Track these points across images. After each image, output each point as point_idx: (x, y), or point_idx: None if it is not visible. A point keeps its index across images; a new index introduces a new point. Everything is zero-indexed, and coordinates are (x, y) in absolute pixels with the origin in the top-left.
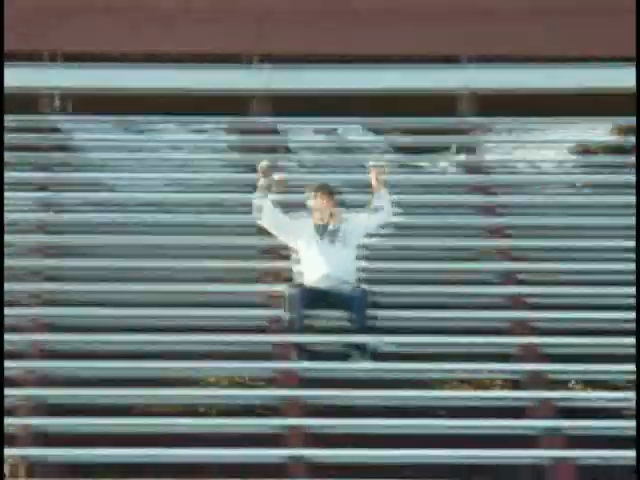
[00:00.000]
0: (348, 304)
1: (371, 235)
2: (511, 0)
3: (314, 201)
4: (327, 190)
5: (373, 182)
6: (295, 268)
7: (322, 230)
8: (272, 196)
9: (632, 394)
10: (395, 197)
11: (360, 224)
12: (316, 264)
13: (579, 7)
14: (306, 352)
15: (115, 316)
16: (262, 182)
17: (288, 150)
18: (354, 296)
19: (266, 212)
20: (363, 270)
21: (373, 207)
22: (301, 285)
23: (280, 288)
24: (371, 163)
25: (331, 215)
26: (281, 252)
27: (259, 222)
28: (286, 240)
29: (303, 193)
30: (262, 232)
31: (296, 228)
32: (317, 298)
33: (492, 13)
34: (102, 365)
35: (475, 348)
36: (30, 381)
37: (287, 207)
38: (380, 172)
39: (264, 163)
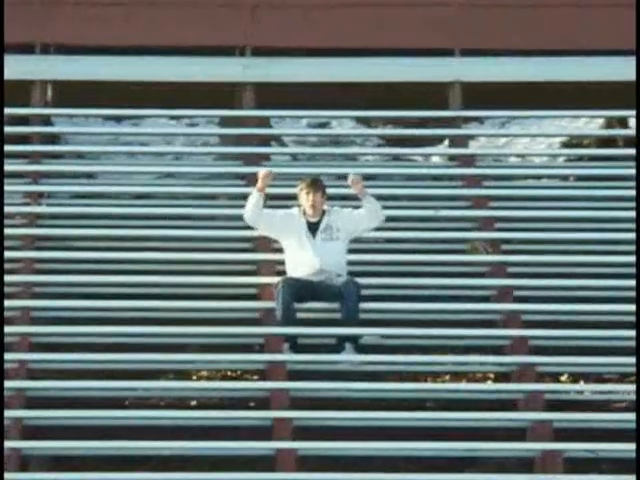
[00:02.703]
0: (339, 297)
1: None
2: None
3: (305, 197)
4: (318, 186)
5: (356, 192)
6: (286, 262)
7: (314, 227)
8: (262, 196)
9: (622, 387)
10: (385, 190)
11: (351, 222)
12: (308, 260)
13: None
14: (296, 344)
15: (105, 308)
16: (259, 185)
17: (278, 142)
18: (345, 289)
19: (257, 211)
20: (353, 263)
21: (363, 210)
22: (292, 278)
23: (272, 280)
24: (350, 177)
25: (323, 212)
26: (273, 245)
27: (247, 220)
28: (276, 237)
29: (293, 186)
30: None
31: (287, 225)
32: (308, 291)
33: (483, 5)
34: (93, 357)
35: (465, 340)
36: (21, 373)
37: (277, 199)
38: (356, 182)
39: (265, 171)
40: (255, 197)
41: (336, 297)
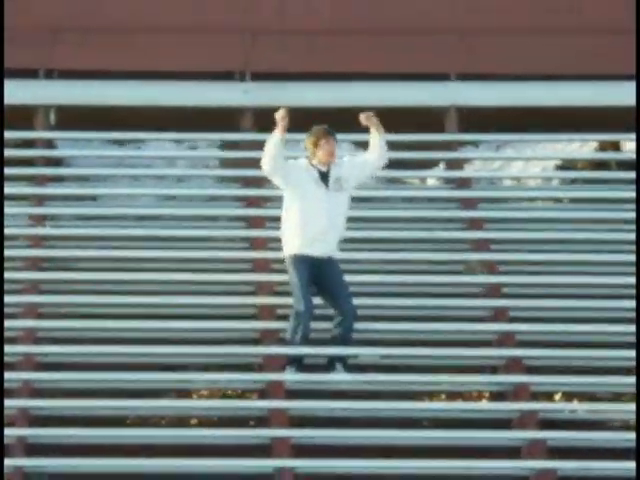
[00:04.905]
0: (338, 309)
1: (365, 181)
2: (498, 17)
3: (324, 146)
4: (333, 132)
5: (368, 125)
6: (292, 219)
7: (324, 177)
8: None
9: (615, 406)
10: (382, 212)
11: (356, 168)
12: (319, 210)
13: (566, 25)
14: (302, 365)
15: (108, 328)
16: (279, 128)
17: None
18: (346, 306)
19: (278, 157)
20: (350, 283)
21: (367, 153)
22: (299, 255)
23: (271, 300)
24: (361, 116)
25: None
26: (272, 265)
27: (266, 167)
28: (289, 186)
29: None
30: (253, 246)
31: (299, 174)
32: (313, 269)
33: (479, 31)
34: (95, 377)
35: (460, 360)
36: (25, 392)
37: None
38: (368, 117)
39: (283, 112)
40: (276, 140)
41: (337, 290)
